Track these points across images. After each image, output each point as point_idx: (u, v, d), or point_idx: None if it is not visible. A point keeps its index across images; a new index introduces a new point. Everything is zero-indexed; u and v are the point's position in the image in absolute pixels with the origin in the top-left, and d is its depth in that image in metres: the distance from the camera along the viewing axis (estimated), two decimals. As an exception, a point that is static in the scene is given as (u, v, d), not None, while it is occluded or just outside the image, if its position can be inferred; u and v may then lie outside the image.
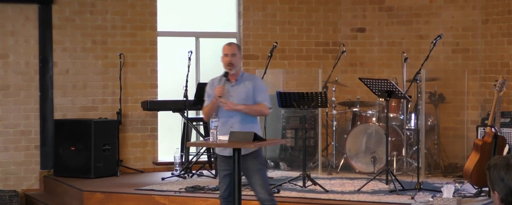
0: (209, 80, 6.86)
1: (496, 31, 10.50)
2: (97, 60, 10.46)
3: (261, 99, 6.63)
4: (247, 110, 6.57)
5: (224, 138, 6.53)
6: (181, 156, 9.95)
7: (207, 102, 6.76)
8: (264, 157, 6.77)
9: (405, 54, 9.71)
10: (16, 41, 10.12)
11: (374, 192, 8.31)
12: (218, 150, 6.75)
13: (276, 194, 8.12)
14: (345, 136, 10.00)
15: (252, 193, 8.22)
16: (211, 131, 6.51)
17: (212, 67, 11.15)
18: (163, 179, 9.47)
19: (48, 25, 10.21)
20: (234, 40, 11.19)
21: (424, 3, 11.05)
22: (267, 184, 6.68)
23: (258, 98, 6.64)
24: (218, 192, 8.39)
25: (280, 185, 8.54)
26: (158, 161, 10.74)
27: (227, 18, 11.29)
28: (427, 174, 9.60)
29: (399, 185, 8.33)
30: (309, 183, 8.57)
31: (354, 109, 10.25)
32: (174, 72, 10.79)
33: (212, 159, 9.91)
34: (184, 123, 9.97)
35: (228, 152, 6.55)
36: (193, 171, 9.64)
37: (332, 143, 10.17)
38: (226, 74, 6.65)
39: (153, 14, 10.68)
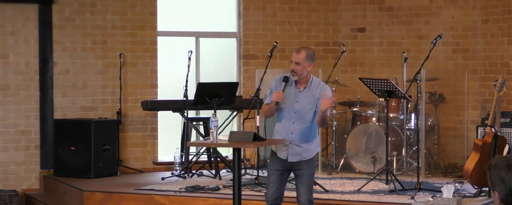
0: (275, 77, 6.62)
1: (496, 31, 10.50)
2: (97, 60, 10.46)
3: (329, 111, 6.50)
4: (326, 116, 6.41)
5: (224, 138, 6.53)
6: (181, 156, 9.96)
7: (268, 99, 6.58)
8: (315, 162, 6.69)
9: (405, 54, 9.71)
10: (16, 41, 10.12)
11: (374, 192, 8.31)
12: (273, 147, 6.61)
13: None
14: (345, 136, 10.00)
15: (252, 193, 8.25)
16: (211, 131, 6.51)
17: (212, 67, 11.17)
18: (163, 179, 9.47)
19: (48, 25, 10.21)
20: (235, 41, 11.19)
21: (424, 3, 11.05)
22: (311, 189, 6.56)
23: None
24: (218, 192, 8.44)
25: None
26: (158, 161, 10.74)
27: (227, 18, 11.29)
28: (427, 174, 9.60)
29: (399, 185, 8.34)
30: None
31: (354, 109, 10.26)
32: (174, 72, 10.79)
33: (212, 159, 9.90)
34: (184, 123, 9.96)
35: (284, 155, 6.47)
36: (193, 171, 9.64)
37: (332, 143, 10.17)
38: (285, 79, 6.47)
39: (153, 14, 10.68)
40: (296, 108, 6.44)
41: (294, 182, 6.76)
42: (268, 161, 6.85)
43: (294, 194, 6.66)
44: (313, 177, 6.65)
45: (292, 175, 6.65)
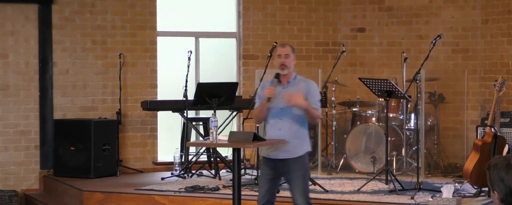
0: (260, 83, 6.72)
1: (496, 31, 10.50)
2: (97, 60, 10.46)
3: (315, 105, 6.42)
4: (308, 109, 6.35)
5: (224, 138, 6.53)
6: (181, 156, 9.95)
7: (257, 104, 6.59)
8: (308, 163, 6.59)
9: (405, 54, 9.71)
10: (16, 41, 10.12)
11: (374, 192, 8.31)
12: (262, 152, 6.59)
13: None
14: (345, 136, 10.00)
15: (251, 193, 8.25)
16: (210, 131, 6.51)
17: (212, 67, 11.17)
18: (162, 179, 9.47)
19: (48, 25, 10.21)
20: (234, 41, 11.20)
21: (424, 3, 11.05)
22: (307, 190, 6.50)
23: (312, 104, 6.41)
24: (217, 192, 8.44)
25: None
26: (158, 161, 10.73)
27: (227, 18, 11.28)
28: (427, 174, 9.60)
29: (399, 185, 8.33)
30: (309, 183, 8.56)
31: (354, 109, 10.25)
32: (174, 72, 10.78)
33: (212, 159, 9.90)
34: (184, 123, 9.97)
35: (274, 154, 6.44)
36: (193, 171, 9.64)
37: (332, 143, 10.17)
38: (277, 76, 6.47)
39: (153, 14, 10.68)
40: (281, 104, 6.43)
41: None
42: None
43: (289, 193, 6.64)
44: (307, 178, 6.55)
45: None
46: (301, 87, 6.45)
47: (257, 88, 9.33)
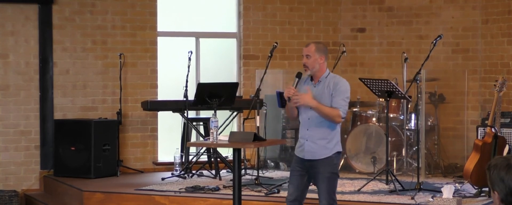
0: (296, 79, 6.54)
1: (496, 31, 10.50)
2: (97, 60, 10.46)
3: (336, 104, 6.25)
4: (318, 109, 6.20)
5: (224, 138, 6.53)
6: (181, 156, 9.95)
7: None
8: (338, 164, 6.43)
9: (405, 54, 9.71)
10: (16, 41, 10.12)
11: (374, 192, 8.31)
12: (295, 150, 6.51)
13: (276, 194, 8.13)
14: (345, 136, 9.99)
15: (252, 193, 8.25)
16: (211, 131, 6.51)
17: (212, 67, 11.17)
18: (163, 179, 9.47)
19: (48, 25, 10.21)
20: (235, 41, 11.19)
21: (424, 3, 11.05)
22: (333, 193, 6.33)
23: (334, 102, 6.27)
24: (218, 192, 8.44)
25: (280, 185, 8.54)
26: (158, 161, 10.74)
27: (227, 18, 11.29)
28: (427, 174, 9.61)
29: (399, 185, 8.33)
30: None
31: (354, 109, 10.25)
32: (174, 72, 10.79)
33: (212, 160, 9.90)
34: (184, 123, 9.96)
35: (302, 154, 6.32)
36: (193, 171, 9.64)
37: (332, 143, 10.15)
38: (298, 75, 6.35)
39: (153, 14, 10.68)
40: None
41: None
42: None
43: (311, 195, 6.56)
44: (333, 180, 6.34)
45: None
46: (329, 86, 6.31)
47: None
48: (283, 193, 8.21)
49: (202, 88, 9.50)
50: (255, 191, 8.35)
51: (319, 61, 6.33)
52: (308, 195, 7.81)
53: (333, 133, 6.32)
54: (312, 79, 6.37)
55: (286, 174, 9.61)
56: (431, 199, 7.73)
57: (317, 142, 6.28)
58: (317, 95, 6.28)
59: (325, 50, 6.40)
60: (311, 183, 6.42)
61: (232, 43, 11.24)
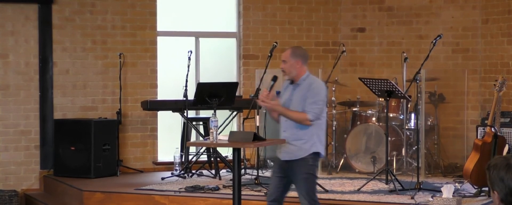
0: (283, 83, 6.71)
1: (496, 31, 10.50)
2: (97, 60, 10.46)
3: (306, 107, 6.37)
4: (284, 114, 6.40)
5: (224, 138, 6.53)
6: (181, 156, 9.96)
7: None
8: (315, 165, 6.50)
9: (405, 54, 9.71)
10: (16, 41, 10.12)
11: (374, 192, 8.32)
12: (276, 152, 6.64)
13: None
14: (345, 136, 10.00)
15: (252, 193, 8.25)
16: (210, 131, 6.51)
17: (212, 67, 11.17)
18: (163, 179, 9.47)
19: (48, 25, 10.21)
20: (234, 41, 11.19)
21: (424, 3, 11.05)
22: (312, 193, 6.45)
23: (305, 105, 6.39)
24: (218, 192, 8.44)
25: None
26: (158, 161, 10.73)
27: (227, 18, 11.28)
28: (427, 174, 9.60)
29: (399, 185, 8.34)
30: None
31: (354, 109, 10.26)
32: (174, 72, 10.78)
33: (212, 159, 9.90)
34: (184, 123, 9.97)
35: (280, 155, 6.47)
36: (193, 171, 9.64)
37: (332, 143, 10.17)
38: (274, 78, 6.53)
39: (153, 14, 10.68)
40: (286, 104, 6.48)
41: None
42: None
43: (293, 193, 6.64)
44: (311, 180, 6.46)
45: None
46: (303, 89, 6.44)
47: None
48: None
49: (202, 88, 9.50)
50: (255, 191, 8.35)
51: (295, 65, 6.50)
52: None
53: (310, 134, 6.42)
54: (292, 82, 6.53)
55: (286, 174, 9.62)
56: (431, 199, 7.73)
57: (293, 143, 6.42)
58: (296, 98, 6.44)
59: (302, 54, 6.56)
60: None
61: (232, 43, 11.25)
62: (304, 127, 6.39)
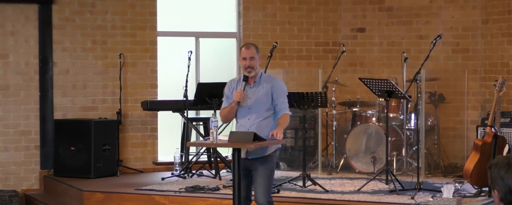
0: (227, 81, 6.79)
1: (496, 31, 10.50)
2: (97, 60, 10.46)
3: (282, 105, 6.59)
4: (283, 128, 6.58)
5: (224, 138, 6.53)
6: (181, 156, 9.96)
7: (225, 104, 6.72)
8: (276, 163, 6.69)
9: (405, 54, 9.70)
10: (16, 41, 10.12)
11: (374, 192, 8.31)
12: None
13: (276, 194, 8.12)
14: (345, 136, 9.99)
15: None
16: (211, 131, 6.51)
17: (212, 67, 11.17)
18: (163, 179, 9.47)
19: (48, 25, 10.21)
20: (234, 41, 11.20)
21: (424, 3, 11.05)
22: (269, 190, 6.60)
23: (278, 104, 6.58)
24: (218, 192, 8.46)
25: (280, 185, 8.55)
26: (158, 161, 10.73)
27: (227, 18, 11.29)
28: (427, 174, 9.60)
29: (399, 185, 8.33)
30: (309, 183, 8.57)
31: (354, 109, 10.25)
32: (174, 72, 10.79)
33: (212, 159, 9.90)
34: (184, 123, 9.97)
35: (243, 154, 6.53)
36: (193, 171, 9.64)
37: (332, 143, 10.17)
38: (245, 78, 6.59)
39: (153, 14, 10.68)
40: (249, 104, 6.57)
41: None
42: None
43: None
44: (271, 178, 6.63)
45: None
46: (266, 88, 6.58)
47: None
48: (283, 193, 8.23)
49: (202, 88, 9.50)
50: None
51: (259, 61, 6.68)
52: (308, 195, 7.81)
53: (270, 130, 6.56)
54: (245, 79, 6.59)
55: (286, 174, 9.63)
56: (431, 199, 7.73)
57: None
58: (254, 96, 6.58)
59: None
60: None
61: (232, 43, 11.25)
62: (269, 124, 6.56)
